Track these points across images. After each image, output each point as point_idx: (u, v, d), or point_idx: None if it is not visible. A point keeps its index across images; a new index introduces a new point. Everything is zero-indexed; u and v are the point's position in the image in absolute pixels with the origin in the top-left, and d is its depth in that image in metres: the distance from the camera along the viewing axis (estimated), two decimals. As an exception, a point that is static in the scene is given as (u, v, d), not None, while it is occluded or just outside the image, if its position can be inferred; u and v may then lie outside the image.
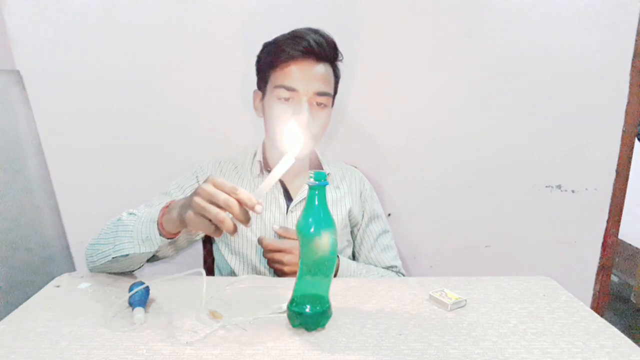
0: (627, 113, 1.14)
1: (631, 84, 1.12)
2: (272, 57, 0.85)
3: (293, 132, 0.61)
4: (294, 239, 0.86)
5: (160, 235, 0.69)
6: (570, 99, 1.13)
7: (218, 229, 0.60)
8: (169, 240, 0.71)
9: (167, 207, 0.69)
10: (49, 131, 1.09)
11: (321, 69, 0.85)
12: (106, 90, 1.08)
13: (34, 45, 1.04)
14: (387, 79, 1.11)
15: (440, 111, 1.14)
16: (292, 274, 0.84)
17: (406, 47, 1.09)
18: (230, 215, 0.59)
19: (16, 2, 1.01)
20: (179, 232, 0.70)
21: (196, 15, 1.05)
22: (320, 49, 0.83)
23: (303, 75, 0.83)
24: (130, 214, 0.76)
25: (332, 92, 0.88)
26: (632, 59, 1.10)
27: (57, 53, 1.05)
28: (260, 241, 0.86)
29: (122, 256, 0.73)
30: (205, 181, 0.61)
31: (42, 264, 1.06)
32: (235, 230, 0.59)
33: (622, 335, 0.63)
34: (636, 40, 1.09)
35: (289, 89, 0.84)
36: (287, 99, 0.85)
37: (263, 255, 0.86)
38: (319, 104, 0.86)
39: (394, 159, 1.17)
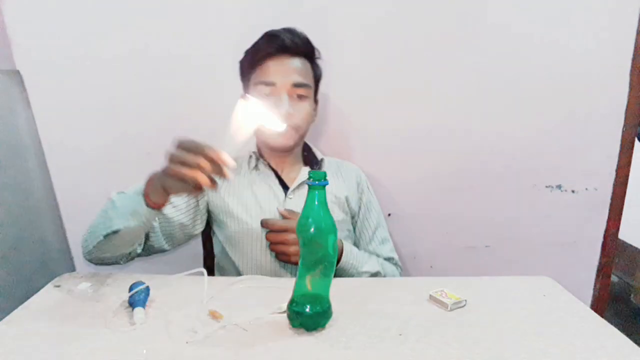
0: (627, 113, 1.14)
1: (631, 84, 1.11)
2: (251, 58, 0.91)
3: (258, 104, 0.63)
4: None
5: (147, 206, 0.70)
6: (570, 99, 1.13)
7: (198, 187, 0.62)
8: (156, 210, 0.71)
9: (151, 178, 0.70)
10: (49, 131, 1.09)
11: (297, 62, 0.90)
12: (106, 91, 1.08)
13: (34, 45, 1.04)
14: (388, 79, 1.11)
15: (440, 111, 1.14)
16: (296, 254, 0.84)
17: (407, 47, 1.09)
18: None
19: (16, 2, 1.01)
20: (166, 202, 0.71)
21: (196, 17, 1.05)
22: (293, 44, 0.89)
23: (279, 69, 0.88)
24: (120, 193, 0.77)
25: (311, 84, 0.93)
26: (632, 59, 1.10)
27: (57, 53, 1.04)
28: (264, 223, 0.87)
29: (112, 233, 0.73)
30: (175, 145, 0.62)
31: (42, 264, 1.06)
32: (214, 184, 0.61)
33: (622, 335, 0.63)
34: (636, 40, 1.09)
35: (267, 83, 0.88)
36: (267, 95, 0.89)
37: (266, 236, 0.87)
38: (299, 96, 0.90)
39: (394, 159, 1.17)
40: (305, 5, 1.06)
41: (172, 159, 0.62)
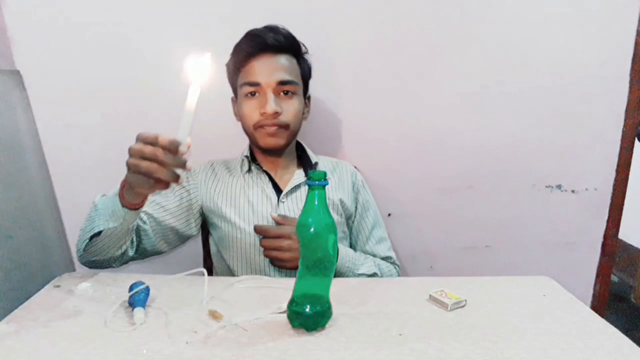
0: (627, 113, 1.14)
1: (631, 84, 1.11)
2: (235, 60, 0.90)
3: (198, 61, 0.62)
4: (292, 225, 0.86)
5: (123, 207, 0.71)
6: (570, 99, 1.13)
7: (160, 182, 0.61)
8: (134, 211, 0.72)
9: (125, 178, 0.70)
10: (49, 131, 1.09)
11: (281, 59, 0.89)
12: (106, 91, 1.08)
13: (34, 45, 1.03)
14: (387, 79, 1.11)
15: (440, 111, 1.14)
16: (292, 261, 0.84)
17: (407, 46, 1.09)
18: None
19: (16, 2, 1.01)
20: (142, 202, 0.71)
21: (195, 21, 1.05)
22: (276, 42, 0.87)
23: (263, 68, 0.87)
24: (103, 196, 0.78)
25: (297, 80, 0.91)
26: (632, 59, 1.10)
27: (57, 53, 1.04)
28: (257, 229, 0.87)
29: (96, 235, 0.75)
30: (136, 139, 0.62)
31: (42, 264, 1.06)
32: (176, 178, 0.61)
33: (622, 335, 0.63)
34: (636, 40, 1.09)
35: (252, 84, 0.87)
36: (252, 94, 0.88)
37: (261, 243, 0.86)
38: (285, 93, 0.89)
39: (394, 159, 1.17)
40: (297, 4, 1.05)
41: (132, 154, 0.61)
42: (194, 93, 0.60)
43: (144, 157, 0.60)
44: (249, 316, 0.65)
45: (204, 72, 0.61)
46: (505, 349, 0.59)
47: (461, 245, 1.24)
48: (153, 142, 0.59)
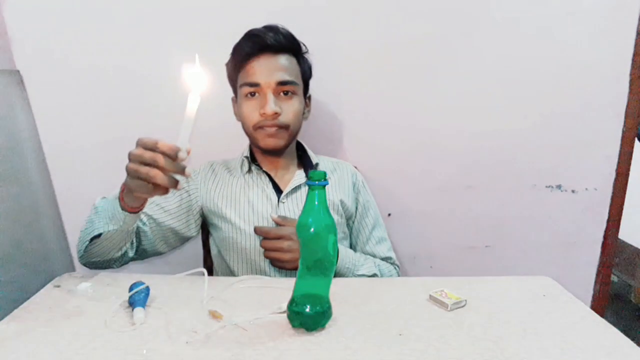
0: (627, 113, 1.14)
1: (631, 84, 1.11)
2: (235, 60, 0.90)
3: (194, 70, 0.62)
4: (292, 226, 0.86)
5: (122, 210, 0.71)
6: (570, 99, 1.13)
7: (158, 187, 0.61)
8: (133, 214, 0.72)
9: (125, 182, 0.70)
10: (49, 131, 1.09)
11: (281, 60, 0.88)
12: (106, 91, 1.08)
13: (34, 45, 1.04)
14: (387, 79, 1.11)
15: (440, 111, 1.14)
16: (292, 262, 0.83)
17: (406, 46, 1.09)
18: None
19: (16, 2, 1.01)
20: (141, 205, 0.72)
21: (195, 21, 1.05)
22: (275, 42, 0.87)
23: (263, 69, 0.87)
24: (103, 198, 0.79)
25: (297, 81, 0.90)
26: (632, 59, 1.10)
27: (57, 53, 1.04)
28: (257, 231, 0.87)
29: (96, 238, 0.76)
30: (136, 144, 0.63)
31: (42, 264, 1.06)
32: (175, 183, 0.61)
33: (622, 335, 0.63)
34: (636, 40, 1.09)
35: (251, 84, 0.87)
36: (252, 94, 0.88)
37: (261, 244, 0.86)
38: (285, 93, 0.89)
39: (394, 159, 1.17)
40: (297, 3, 1.05)
41: (132, 158, 0.61)
42: (194, 101, 0.60)
43: (144, 163, 0.60)
44: (249, 316, 0.65)
45: (203, 80, 0.61)
46: (505, 349, 0.59)
47: (461, 245, 1.24)
48: (153, 148, 0.60)
